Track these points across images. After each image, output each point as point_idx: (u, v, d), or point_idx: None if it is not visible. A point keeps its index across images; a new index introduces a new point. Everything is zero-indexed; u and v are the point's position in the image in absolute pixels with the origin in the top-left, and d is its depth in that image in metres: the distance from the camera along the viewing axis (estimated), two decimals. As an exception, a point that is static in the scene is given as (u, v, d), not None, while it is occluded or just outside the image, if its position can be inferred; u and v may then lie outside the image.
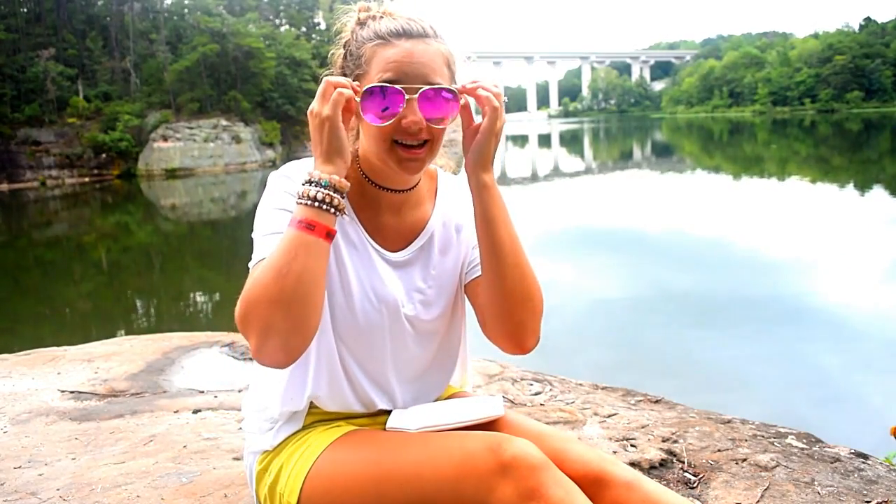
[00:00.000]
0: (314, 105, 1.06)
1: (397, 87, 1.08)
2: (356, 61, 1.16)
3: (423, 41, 1.12)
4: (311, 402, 1.22)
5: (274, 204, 1.15)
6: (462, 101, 1.15)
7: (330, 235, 1.04)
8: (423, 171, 1.19)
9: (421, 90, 1.09)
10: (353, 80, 1.15)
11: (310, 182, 1.04)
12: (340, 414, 1.24)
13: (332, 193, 1.03)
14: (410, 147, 1.12)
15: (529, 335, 1.16)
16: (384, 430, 1.21)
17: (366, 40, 1.15)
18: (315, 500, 1.13)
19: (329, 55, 1.25)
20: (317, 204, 1.03)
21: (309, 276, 1.00)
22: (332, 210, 1.04)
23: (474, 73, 1.23)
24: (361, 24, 1.18)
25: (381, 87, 1.08)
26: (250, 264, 1.12)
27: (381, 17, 1.17)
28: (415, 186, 1.25)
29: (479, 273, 1.25)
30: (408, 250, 1.25)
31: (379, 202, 1.23)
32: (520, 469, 0.99)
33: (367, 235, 1.21)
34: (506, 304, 1.14)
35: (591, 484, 1.05)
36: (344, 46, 1.21)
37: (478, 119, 1.17)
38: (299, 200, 1.03)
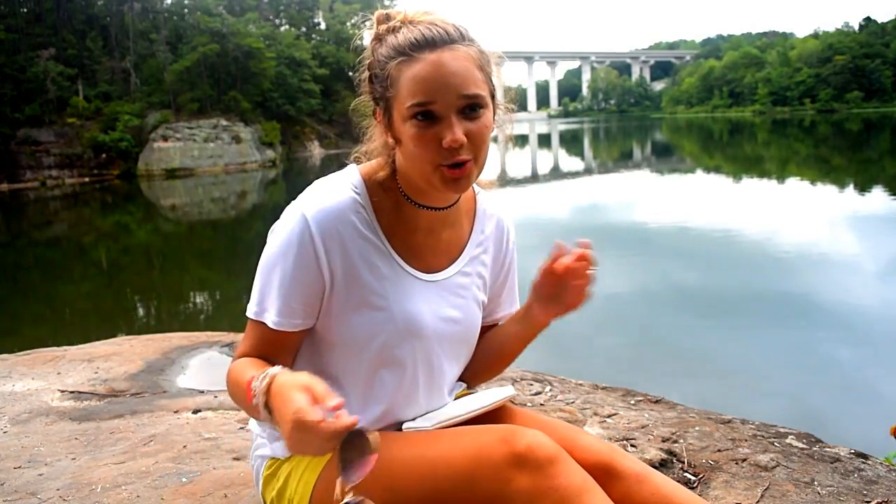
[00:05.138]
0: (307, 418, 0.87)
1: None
2: (383, 83, 1.07)
3: (450, 48, 1.03)
4: None
5: (285, 265, 1.09)
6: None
7: None
8: (471, 185, 1.13)
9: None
10: (384, 104, 1.09)
11: (263, 405, 0.97)
12: None
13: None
14: (456, 166, 1.04)
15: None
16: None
17: (387, 59, 1.05)
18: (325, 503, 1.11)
19: (355, 80, 1.16)
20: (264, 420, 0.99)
21: (255, 416, 1.09)
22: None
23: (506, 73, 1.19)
24: (380, 40, 1.08)
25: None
26: (248, 312, 1.13)
27: (400, 27, 1.07)
28: (455, 203, 1.19)
29: (485, 324, 1.34)
30: (446, 272, 1.21)
31: (416, 222, 1.17)
32: (535, 459, 0.97)
33: (399, 260, 1.16)
34: (490, 372, 1.37)
35: (601, 475, 1.05)
36: (368, 68, 1.11)
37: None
38: (254, 397, 0.98)
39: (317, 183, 1.15)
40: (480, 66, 1.06)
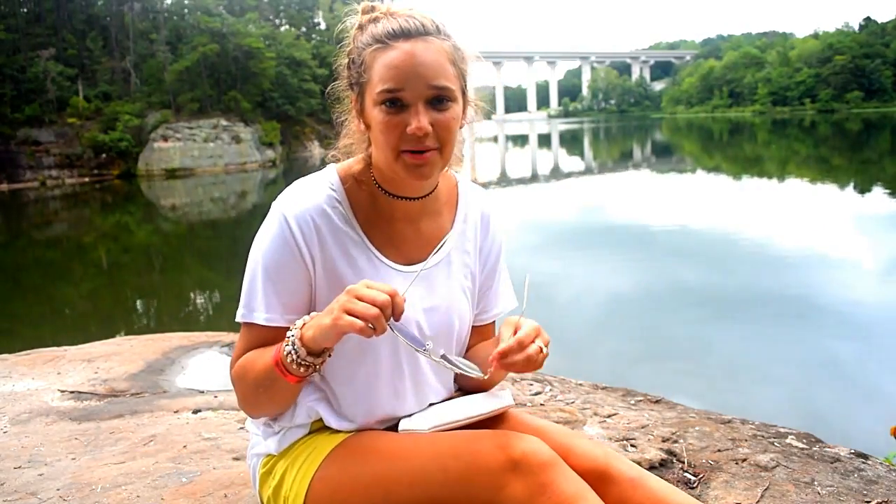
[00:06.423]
0: (360, 309, 0.96)
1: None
2: (359, 69, 1.12)
3: (423, 40, 1.07)
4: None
5: (269, 262, 1.12)
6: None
7: (301, 380, 1.06)
8: (437, 175, 1.15)
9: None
10: (358, 89, 1.12)
11: (292, 345, 1.03)
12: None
13: (306, 362, 1.03)
14: (418, 153, 1.08)
15: None
16: (392, 431, 1.19)
17: (365, 45, 1.10)
18: (321, 503, 1.11)
19: (334, 66, 1.20)
20: (292, 363, 1.03)
21: (275, 404, 1.15)
22: (305, 369, 1.04)
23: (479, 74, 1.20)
24: (362, 28, 1.13)
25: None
26: (237, 317, 1.14)
27: (381, 18, 1.12)
28: (431, 193, 1.20)
29: (480, 323, 1.33)
30: (426, 262, 1.20)
31: (393, 212, 1.19)
32: (530, 465, 0.98)
33: (376, 252, 1.17)
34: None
35: (596, 480, 1.05)
36: (348, 55, 1.16)
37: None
38: (284, 348, 1.03)
39: (294, 183, 1.18)
40: (453, 61, 1.10)
